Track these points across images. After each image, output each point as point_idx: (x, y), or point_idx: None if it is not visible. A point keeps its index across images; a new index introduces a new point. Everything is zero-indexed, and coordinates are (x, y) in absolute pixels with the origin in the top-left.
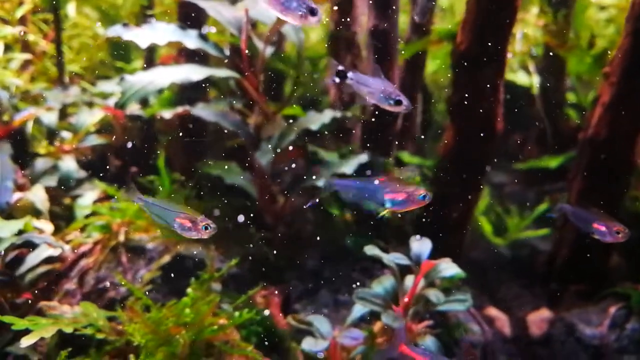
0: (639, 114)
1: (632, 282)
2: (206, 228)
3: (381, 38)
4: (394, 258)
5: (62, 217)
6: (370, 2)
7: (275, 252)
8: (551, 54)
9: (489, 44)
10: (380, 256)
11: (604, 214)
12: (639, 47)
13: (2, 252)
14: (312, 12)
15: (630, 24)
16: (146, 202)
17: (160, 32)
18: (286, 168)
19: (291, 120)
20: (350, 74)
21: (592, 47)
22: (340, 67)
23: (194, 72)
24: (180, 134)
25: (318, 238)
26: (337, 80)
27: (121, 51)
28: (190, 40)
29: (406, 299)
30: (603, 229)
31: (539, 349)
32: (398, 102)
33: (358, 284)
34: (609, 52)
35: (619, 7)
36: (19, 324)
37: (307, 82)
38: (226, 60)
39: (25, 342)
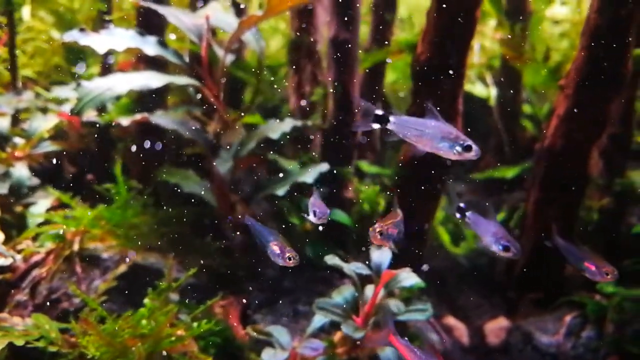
0: (593, 126)
1: (587, 291)
2: (290, 259)
3: (342, 47)
4: (354, 268)
5: (14, 226)
6: (332, 11)
7: (234, 261)
8: (508, 65)
9: (449, 54)
10: (340, 266)
11: (594, 253)
12: (594, 60)
13: None
14: (467, 149)
15: (585, 37)
16: (252, 223)
17: (118, 38)
18: (252, 178)
19: (252, 129)
20: (392, 118)
21: (548, 60)
22: (379, 111)
23: (153, 79)
24: (138, 142)
25: None
26: (376, 126)
27: (77, 56)
28: (150, 46)
29: (366, 309)
30: (593, 268)
31: (497, 357)
32: (467, 148)
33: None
34: (564, 65)
35: (572, 22)
36: None
37: (267, 90)
38: (186, 68)
39: None
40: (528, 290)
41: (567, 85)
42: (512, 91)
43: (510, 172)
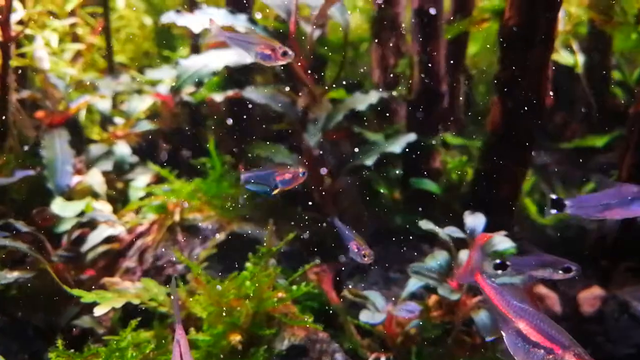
0: None
1: None
2: (365, 256)
3: (427, 17)
4: (449, 231)
5: (117, 200)
6: None
7: (324, 231)
8: (596, 31)
9: (538, 19)
10: (435, 230)
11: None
12: None
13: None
14: None
15: None
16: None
17: (212, 17)
18: (337, 151)
19: (337, 103)
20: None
21: (639, 23)
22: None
23: (246, 55)
24: (228, 118)
25: (366, 216)
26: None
27: (166, 41)
28: (241, 24)
29: (461, 272)
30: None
31: (592, 326)
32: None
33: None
34: None
35: None
36: (87, 297)
37: (348, 67)
38: None
39: (98, 311)
40: (622, 260)
41: None
42: (600, 57)
43: (600, 141)
